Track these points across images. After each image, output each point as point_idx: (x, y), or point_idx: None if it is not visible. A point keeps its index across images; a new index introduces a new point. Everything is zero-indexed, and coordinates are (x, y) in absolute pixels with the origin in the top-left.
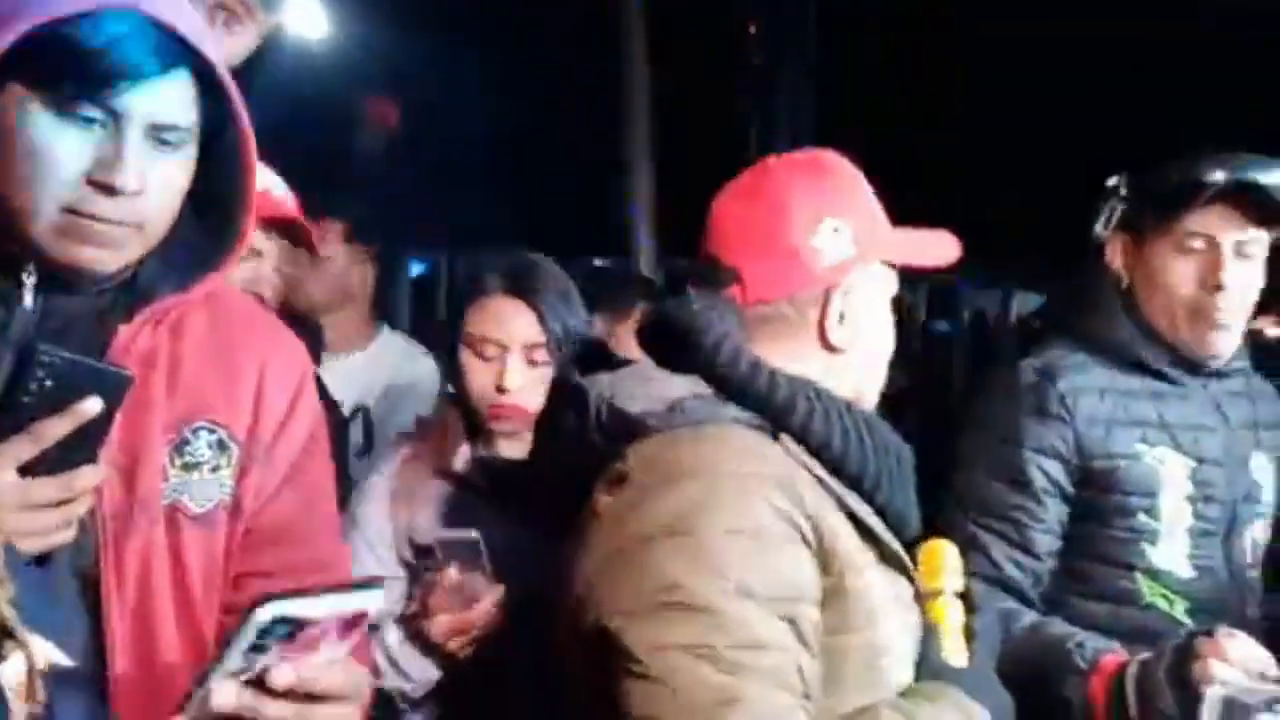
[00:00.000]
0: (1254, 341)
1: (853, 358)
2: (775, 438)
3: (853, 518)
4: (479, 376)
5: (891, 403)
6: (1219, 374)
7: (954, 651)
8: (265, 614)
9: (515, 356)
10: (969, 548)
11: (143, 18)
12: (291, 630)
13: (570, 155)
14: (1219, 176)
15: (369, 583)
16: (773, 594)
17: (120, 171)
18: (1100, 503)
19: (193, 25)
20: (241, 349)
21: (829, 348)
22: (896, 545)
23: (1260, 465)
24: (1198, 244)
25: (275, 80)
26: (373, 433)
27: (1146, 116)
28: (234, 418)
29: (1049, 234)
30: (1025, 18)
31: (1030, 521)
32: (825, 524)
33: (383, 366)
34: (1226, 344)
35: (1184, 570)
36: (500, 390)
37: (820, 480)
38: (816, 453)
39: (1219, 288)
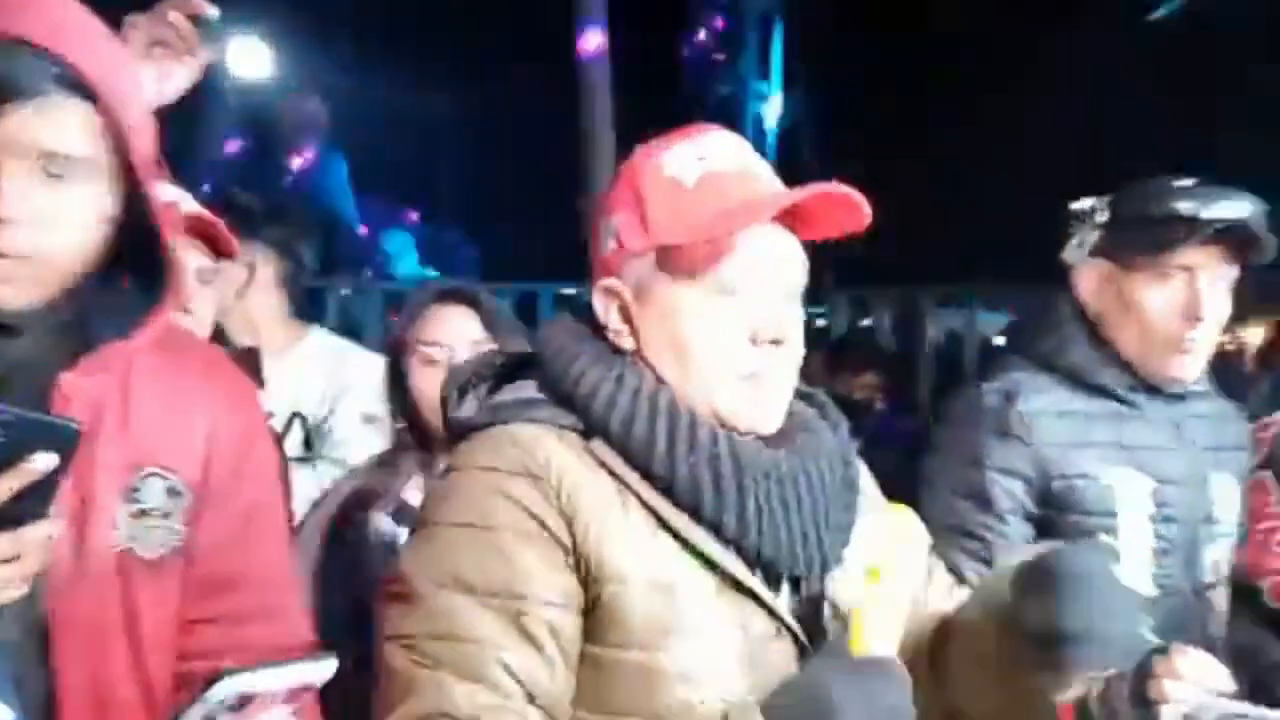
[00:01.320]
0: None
1: (666, 362)
2: (587, 439)
3: (679, 537)
4: (428, 383)
5: (854, 413)
6: (1180, 396)
7: (872, 638)
8: (219, 691)
9: (462, 355)
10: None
11: (35, 48)
12: (241, 701)
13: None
14: (1206, 216)
15: (319, 655)
16: (491, 589)
17: None
18: (1060, 523)
19: (96, 57)
20: (192, 393)
21: (615, 349)
22: (743, 573)
23: (1221, 486)
24: (1180, 276)
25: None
26: (311, 439)
27: (1112, 139)
28: (185, 464)
29: (1016, 255)
30: (996, 42)
31: (996, 540)
32: (594, 530)
33: (314, 368)
34: (1194, 369)
35: (1146, 589)
36: None
37: (632, 489)
38: (635, 460)
39: (1199, 319)
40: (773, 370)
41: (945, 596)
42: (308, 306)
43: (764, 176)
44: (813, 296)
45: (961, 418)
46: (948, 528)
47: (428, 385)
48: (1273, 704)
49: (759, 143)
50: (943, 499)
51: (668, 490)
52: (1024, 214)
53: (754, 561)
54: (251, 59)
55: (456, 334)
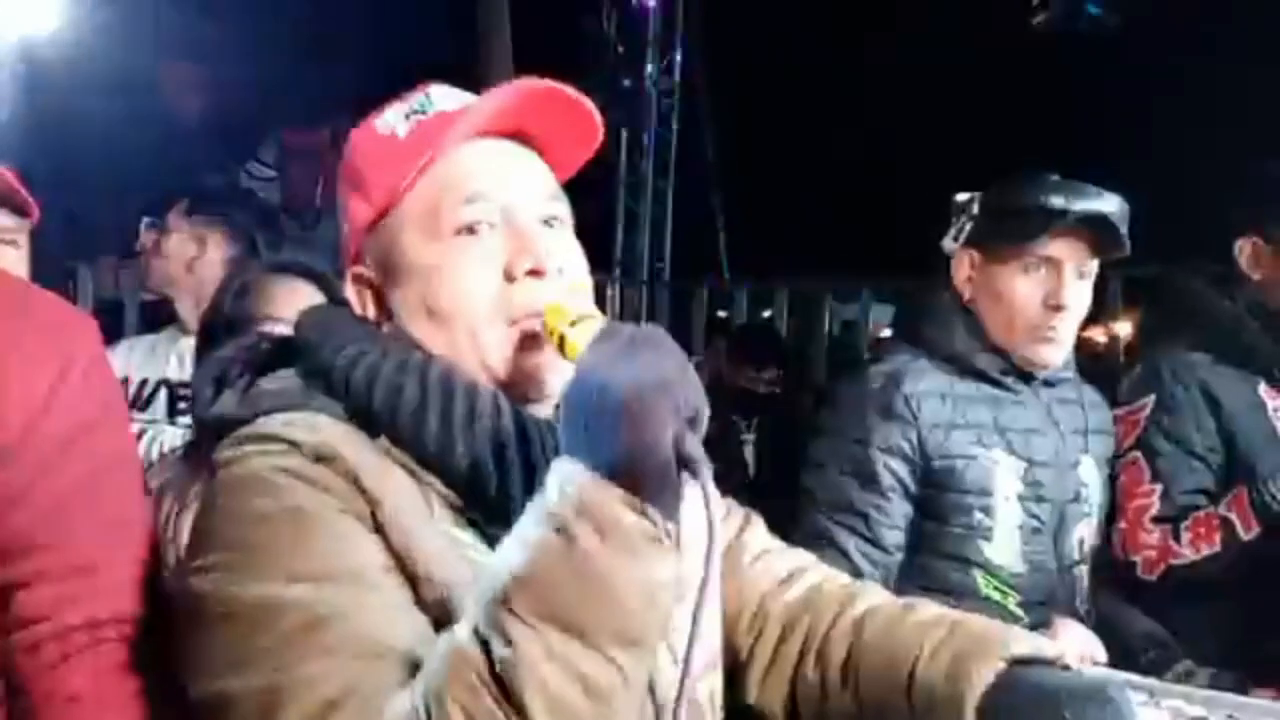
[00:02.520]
0: (1084, 350)
1: (428, 332)
2: (370, 433)
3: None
4: None
5: (756, 405)
6: (1050, 382)
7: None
8: None
9: None
10: (823, 543)
11: None
12: None
13: None
14: (1072, 208)
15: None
16: (322, 573)
17: None
18: (939, 501)
19: None
20: None
21: (380, 335)
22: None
23: (1088, 469)
24: (1042, 266)
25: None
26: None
27: (996, 139)
28: None
29: (909, 248)
30: (899, 40)
31: (880, 517)
32: (402, 525)
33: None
34: (1058, 356)
35: (1016, 565)
36: None
37: (424, 481)
38: (415, 447)
39: (1060, 308)
40: (553, 303)
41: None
42: None
43: (487, 109)
44: (718, 290)
45: (848, 400)
46: (832, 504)
47: None
48: (1138, 672)
49: (662, 136)
50: (830, 477)
51: (448, 475)
52: (915, 208)
53: None
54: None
55: (299, 309)
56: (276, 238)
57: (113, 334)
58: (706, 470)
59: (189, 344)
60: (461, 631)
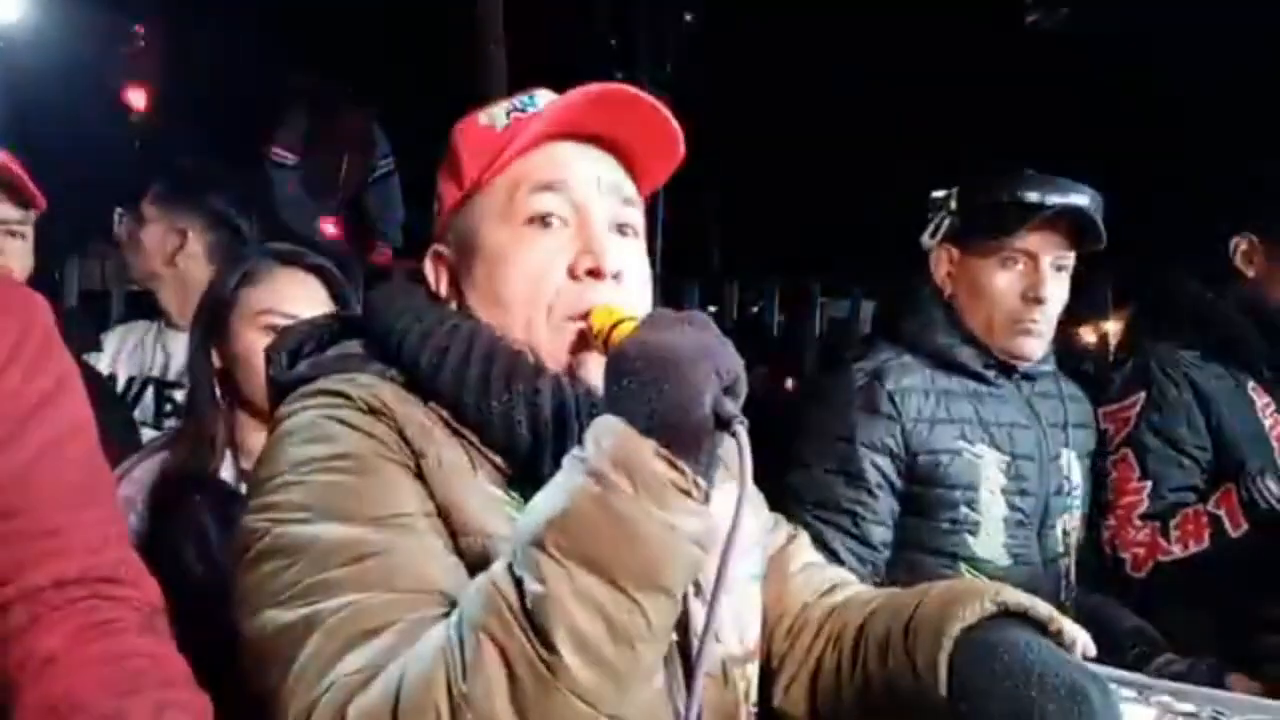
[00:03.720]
0: (1067, 346)
1: (491, 312)
2: (424, 399)
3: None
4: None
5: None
6: (1029, 376)
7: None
8: None
9: None
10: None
11: None
12: None
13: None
14: (1048, 201)
15: None
16: (367, 513)
17: None
18: (925, 496)
19: None
20: None
21: (434, 297)
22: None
23: (1070, 462)
24: (1020, 260)
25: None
26: (163, 406)
27: (989, 138)
28: None
29: (901, 246)
30: (888, 48)
31: (866, 514)
32: (444, 477)
33: None
34: (1038, 349)
35: (1002, 559)
36: None
37: (474, 445)
38: (459, 411)
39: (1039, 301)
40: (606, 305)
41: (806, 561)
42: None
43: (561, 105)
44: (708, 286)
45: (833, 397)
46: (819, 503)
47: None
48: (1124, 667)
49: None
50: (815, 475)
51: (486, 434)
52: (906, 206)
53: None
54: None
55: (305, 304)
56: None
57: (100, 326)
58: (742, 428)
59: (177, 339)
60: (497, 569)
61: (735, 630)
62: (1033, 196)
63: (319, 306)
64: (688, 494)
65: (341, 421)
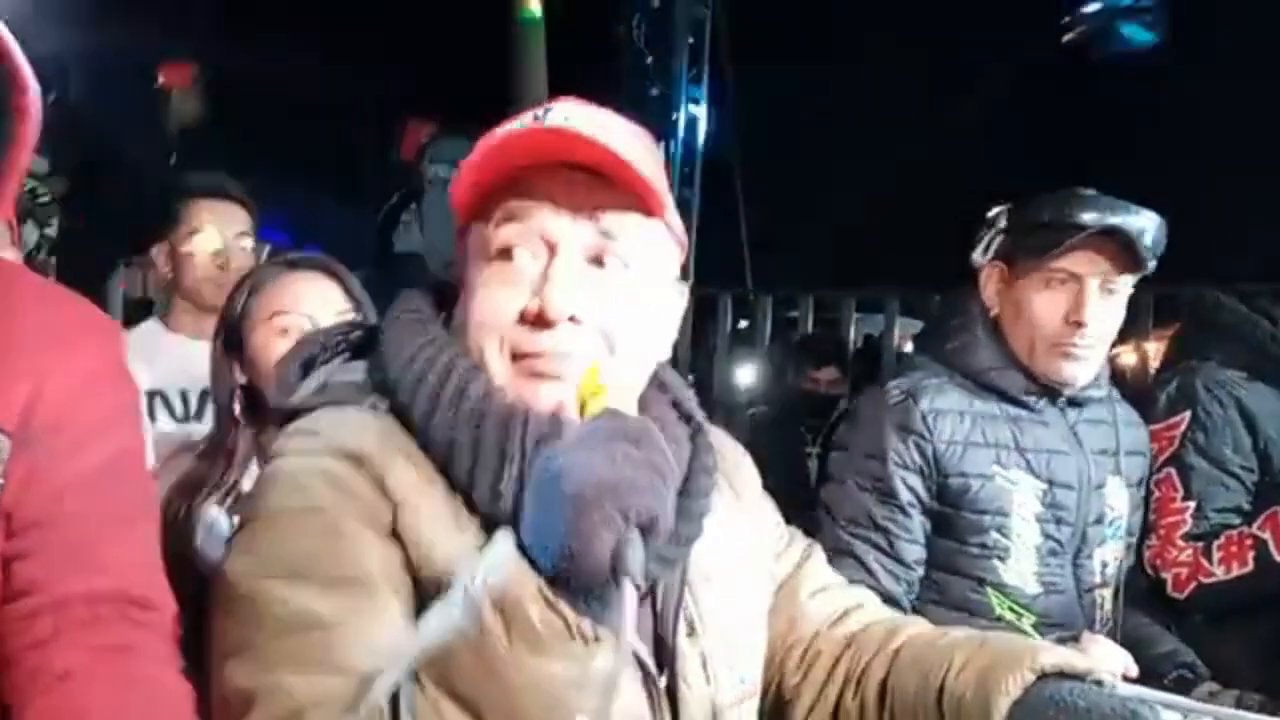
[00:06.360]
0: (1113, 367)
1: (465, 343)
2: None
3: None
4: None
5: (820, 409)
6: (1078, 402)
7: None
8: None
9: (326, 325)
10: (843, 556)
11: None
12: None
13: None
14: (1088, 221)
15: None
16: (328, 573)
17: None
18: (955, 519)
19: None
20: (20, 332)
21: (435, 316)
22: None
23: (1115, 490)
24: (1064, 280)
25: None
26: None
27: (1029, 154)
28: (3, 407)
29: (936, 261)
30: (924, 61)
31: (900, 532)
32: (409, 516)
33: None
34: (1081, 374)
35: (1031, 587)
36: None
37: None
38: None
39: (1080, 324)
40: (549, 354)
41: (820, 579)
42: None
43: (582, 131)
44: (740, 299)
45: (868, 416)
46: (852, 519)
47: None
48: (1161, 689)
49: (689, 145)
50: (848, 492)
51: (438, 456)
52: (943, 221)
53: None
54: None
55: (318, 302)
56: None
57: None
58: (631, 586)
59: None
60: (380, 687)
61: (732, 672)
62: (1080, 217)
63: (332, 303)
64: (566, 638)
65: (322, 472)
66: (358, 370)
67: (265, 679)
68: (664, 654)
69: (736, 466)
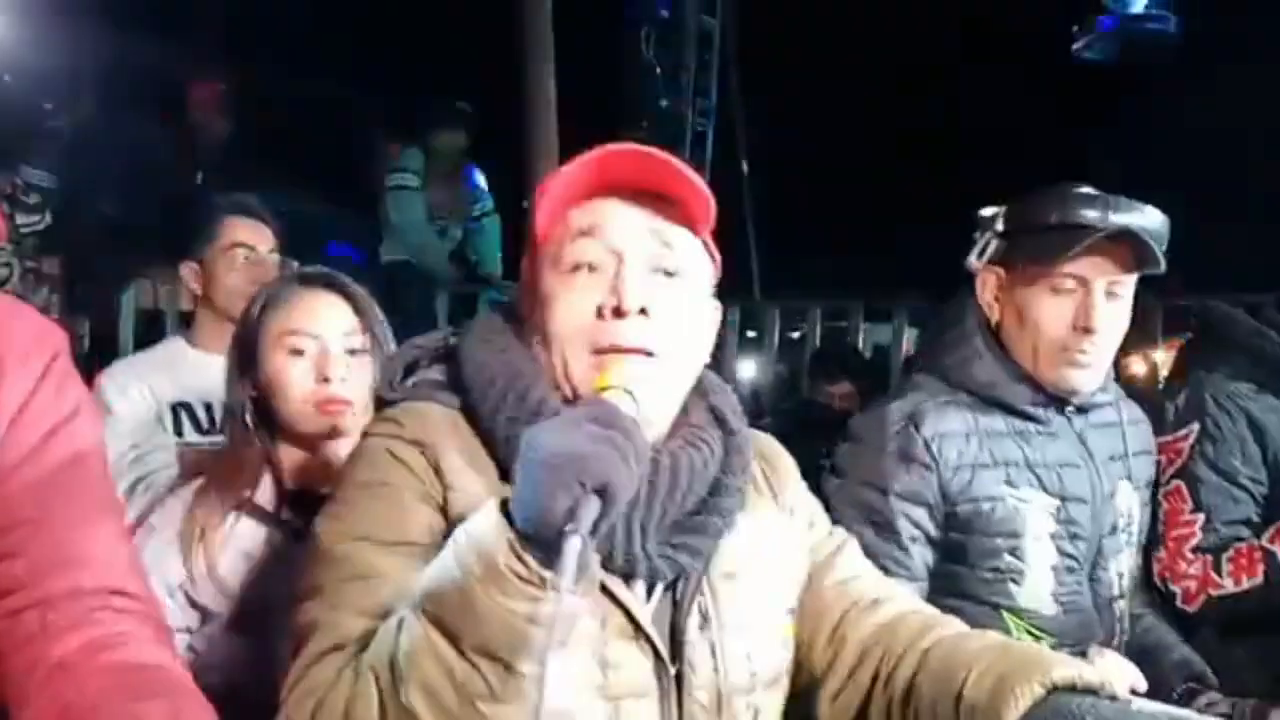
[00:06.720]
0: (1122, 379)
1: (542, 350)
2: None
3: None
4: (295, 375)
5: (834, 423)
6: (1084, 408)
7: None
8: None
9: (335, 345)
10: None
11: None
12: None
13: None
14: (1094, 220)
15: None
16: (389, 538)
17: None
18: (966, 545)
19: None
20: None
21: (514, 331)
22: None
23: (1126, 495)
24: (1070, 285)
25: None
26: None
27: (1036, 161)
28: None
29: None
30: (932, 73)
31: (897, 569)
32: (464, 504)
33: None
34: (1090, 382)
35: (1048, 608)
36: (325, 381)
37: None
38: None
39: (1089, 330)
40: (626, 342)
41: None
42: None
43: (575, 168)
44: (749, 309)
45: (867, 441)
46: None
47: (291, 378)
48: (1170, 701)
49: (697, 156)
50: (845, 524)
51: (496, 449)
52: (951, 229)
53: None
54: None
55: (327, 323)
56: None
57: (156, 343)
58: (575, 541)
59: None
60: (393, 618)
61: (747, 663)
62: (1085, 217)
63: (341, 323)
64: (529, 582)
65: (389, 452)
66: (436, 373)
67: (328, 615)
68: (678, 642)
69: (776, 469)
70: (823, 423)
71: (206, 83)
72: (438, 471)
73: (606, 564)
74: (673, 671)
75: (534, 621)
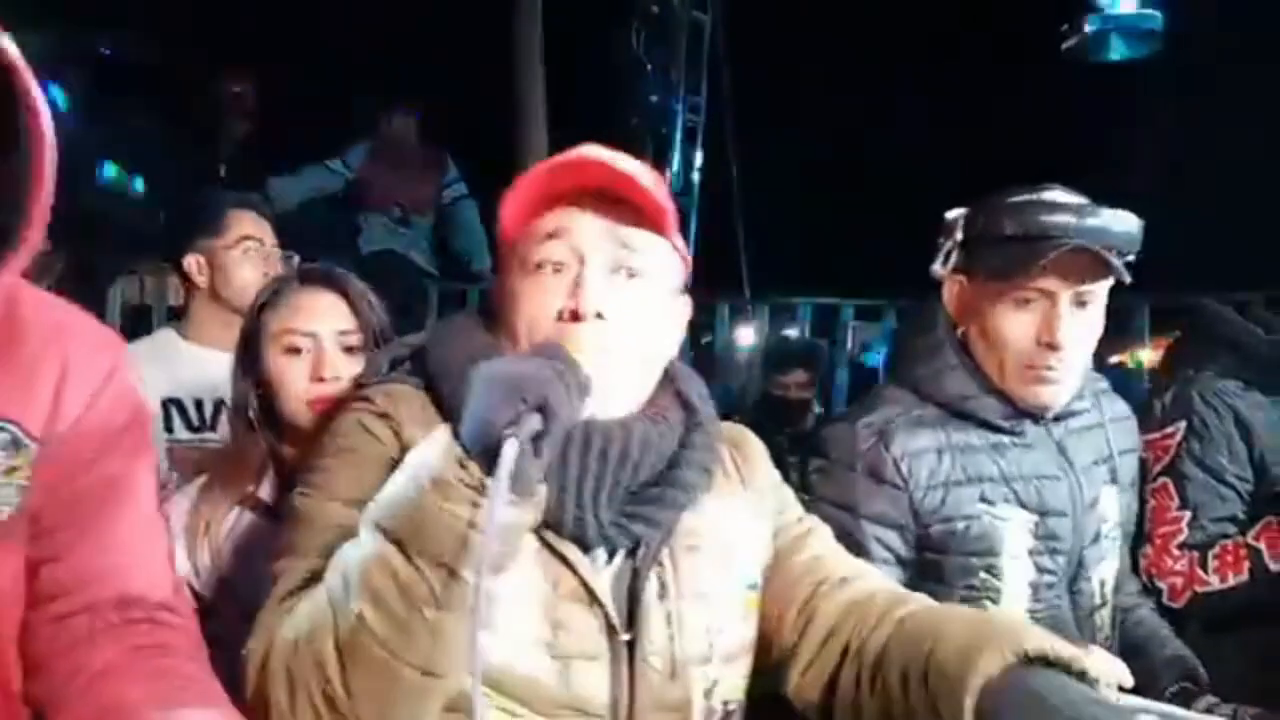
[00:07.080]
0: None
1: (510, 340)
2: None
3: None
4: (292, 373)
5: (792, 414)
6: (1061, 415)
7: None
8: None
9: (330, 343)
10: None
11: None
12: None
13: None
14: (1058, 229)
15: None
16: (354, 496)
17: None
18: (941, 564)
19: None
20: (39, 344)
21: (483, 325)
22: (550, 534)
23: (1109, 500)
24: (1035, 297)
25: None
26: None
27: (1026, 161)
28: (28, 414)
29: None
30: (923, 73)
31: None
32: None
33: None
34: (1059, 397)
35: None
36: (319, 380)
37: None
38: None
39: (1054, 347)
40: (578, 345)
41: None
42: None
43: (541, 171)
44: (738, 308)
45: (836, 458)
46: None
47: (288, 376)
48: (1162, 700)
49: (687, 153)
50: None
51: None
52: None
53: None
54: None
55: (321, 321)
56: None
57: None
58: (512, 445)
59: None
60: (348, 542)
61: (702, 634)
62: (1046, 227)
63: (339, 321)
64: (472, 489)
65: (360, 423)
66: (416, 363)
67: (298, 563)
68: (635, 610)
69: (747, 457)
70: (783, 413)
71: (234, 79)
72: (400, 439)
73: (558, 529)
74: (625, 638)
75: (475, 526)
